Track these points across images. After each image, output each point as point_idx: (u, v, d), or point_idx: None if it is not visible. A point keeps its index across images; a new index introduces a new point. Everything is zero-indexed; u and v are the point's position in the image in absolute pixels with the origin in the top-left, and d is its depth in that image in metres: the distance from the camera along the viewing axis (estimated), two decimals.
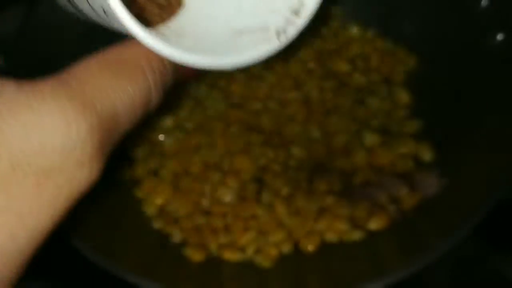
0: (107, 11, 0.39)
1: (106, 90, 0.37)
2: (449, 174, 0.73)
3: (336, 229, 0.72)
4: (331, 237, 0.73)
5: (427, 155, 0.77)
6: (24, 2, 0.81)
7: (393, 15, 0.91)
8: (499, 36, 0.72)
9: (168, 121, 0.82)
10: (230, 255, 0.72)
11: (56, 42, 0.80)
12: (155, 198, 0.76)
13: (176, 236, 0.73)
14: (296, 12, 0.45)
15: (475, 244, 0.76)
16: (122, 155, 0.82)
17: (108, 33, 0.81)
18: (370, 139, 0.79)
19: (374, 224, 0.71)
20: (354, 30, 0.92)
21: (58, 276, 0.85)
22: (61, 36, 0.81)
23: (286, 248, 0.72)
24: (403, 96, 0.85)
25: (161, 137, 0.81)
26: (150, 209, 0.76)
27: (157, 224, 0.75)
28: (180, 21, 0.49)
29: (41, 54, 0.77)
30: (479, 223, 0.59)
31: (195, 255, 0.71)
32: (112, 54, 0.40)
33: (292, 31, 0.44)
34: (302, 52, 0.89)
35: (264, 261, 0.71)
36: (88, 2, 0.43)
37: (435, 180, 0.73)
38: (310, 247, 0.72)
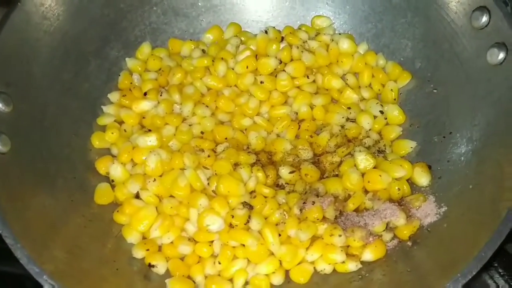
0: None
1: None
2: (447, 202, 0.69)
3: (330, 259, 0.68)
4: (324, 267, 0.69)
5: (423, 179, 0.74)
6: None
7: (387, 31, 0.87)
8: (501, 55, 0.69)
9: (151, 140, 0.77)
10: None
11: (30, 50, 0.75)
12: (137, 225, 0.71)
13: (160, 268, 0.68)
14: None
15: None
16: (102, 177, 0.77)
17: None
18: (364, 161, 0.75)
19: (370, 255, 0.68)
20: (345, 45, 0.88)
21: None
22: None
23: (277, 280, 0.68)
24: (397, 115, 0.82)
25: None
26: (131, 237, 0.71)
27: (138, 253, 0.70)
28: None
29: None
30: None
31: None
32: None
33: None
34: (292, 67, 0.85)
35: None
36: None
37: (433, 207, 0.69)
38: (302, 279, 0.68)
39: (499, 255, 0.77)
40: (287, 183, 0.77)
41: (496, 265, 0.77)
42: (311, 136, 0.81)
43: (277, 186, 0.77)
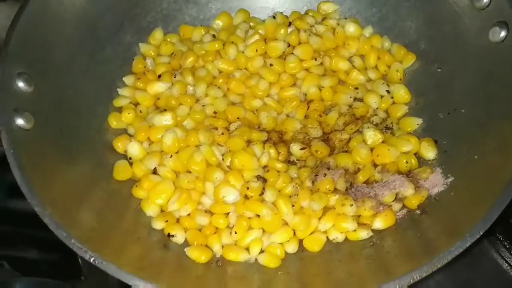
0: None
1: None
2: (453, 173, 0.72)
3: (342, 228, 0.71)
4: (336, 236, 0.72)
5: (430, 153, 0.76)
6: None
7: (391, 14, 0.90)
8: (502, 33, 0.72)
9: (167, 119, 0.80)
10: (234, 256, 0.70)
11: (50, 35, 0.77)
12: (155, 198, 0.73)
13: (179, 237, 0.71)
14: None
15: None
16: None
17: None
18: (373, 137, 0.78)
19: (380, 223, 0.71)
20: (351, 29, 0.91)
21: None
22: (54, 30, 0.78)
23: (291, 248, 0.71)
24: (403, 94, 0.84)
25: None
26: (150, 209, 0.74)
27: (158, 225, 0.73)
28: None
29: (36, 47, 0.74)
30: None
31: (200, 257, 0.69)
32: None
33: None
34: (300, 50, 0.88)
35: (269, 262, 0.69)
36: None
37: (440, 178, 0.72)
38: (315, 247, 0.71)
39: (506, 228, 0.81)
40: (298, 160, 0.80)
41: (501, 238, 0.80)
42: (320, 116, 0.84)
43: (289, 162, 0.80)
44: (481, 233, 0.58)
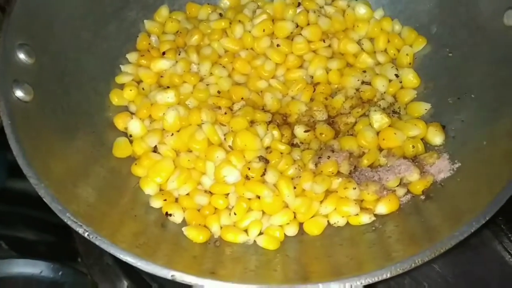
0: None
1: None
2: (460, 159, 0.70)
3: (343, 212, 0.70)
4: (337, 220, 0.70)
5: (437, 138, 0.74)
6: None
7: None
8: None
9: (170, 97, 0.78)
10: (233, 237, 0.69)
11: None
12: (154, 176, 0.72)
13: (177, 217, 0.70)
14: None
15: None
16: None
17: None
18: (379, 120, 0.76)
19: (383, 208, 0.69)
20: (362, 11, 0.89)
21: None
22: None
23: (291, 231, 0.70)
24: (412, 79, 0.82)
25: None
26: (149, 188, 0.73)
27: (156, 203, 0.71)
28: None
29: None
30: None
31: (197, 237, 0.67)
32: None
33: None
34: (308, 31, 0.86)
35: (268, 244, 0.68)
36: None
37: (447, 164, 0.70)
38: (315, 231, 0.69)
39: (509, 219, 0.79)
40: (302, 142, 0.78)
41: (505, 229, 0.78)
42: (326, 99, 0.82)
43: (292, 145, 0.78)
44: (487, 218, 0.56)
